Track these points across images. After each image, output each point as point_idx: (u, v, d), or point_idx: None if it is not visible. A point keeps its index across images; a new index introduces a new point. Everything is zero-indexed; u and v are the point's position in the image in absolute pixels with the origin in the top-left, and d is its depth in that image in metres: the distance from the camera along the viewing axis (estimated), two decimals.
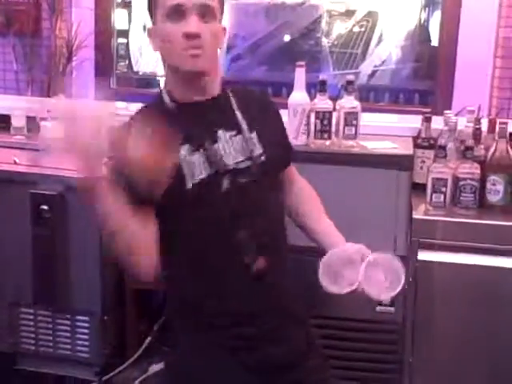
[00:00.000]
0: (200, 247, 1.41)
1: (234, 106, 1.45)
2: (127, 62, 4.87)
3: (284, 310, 1.47)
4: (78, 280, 2.42)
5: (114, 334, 2.54)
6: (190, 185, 1.37)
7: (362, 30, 4.35)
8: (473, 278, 2.14)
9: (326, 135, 2.35)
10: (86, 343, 2.46)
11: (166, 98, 1.43)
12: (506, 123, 2.25)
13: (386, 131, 2.53)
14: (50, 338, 2.49)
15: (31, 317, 2.50)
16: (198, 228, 1.40)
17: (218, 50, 1.45)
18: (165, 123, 1.32)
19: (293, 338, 1.48)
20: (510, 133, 2.25)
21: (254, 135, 1.44)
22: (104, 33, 4.67)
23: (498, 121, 2.30)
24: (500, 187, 2.21)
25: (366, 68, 4.22)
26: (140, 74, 4.87)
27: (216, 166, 1.39)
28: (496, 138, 2.25)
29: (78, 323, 2.46)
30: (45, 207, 2.39)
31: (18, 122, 2.94)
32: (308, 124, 2.35)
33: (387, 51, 4.30)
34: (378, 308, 2.19)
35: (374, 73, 4.24)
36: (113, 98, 4.02)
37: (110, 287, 2.48)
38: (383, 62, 4.27)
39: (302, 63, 2.35)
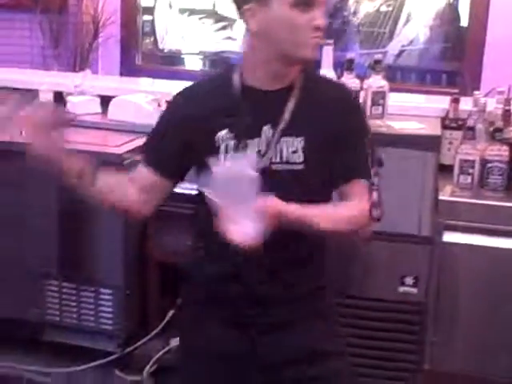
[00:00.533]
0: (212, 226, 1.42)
1: (292, 102, 1.39)
2: (152, 39, 4.87)
3: (301, 302, 1.45)
4: (102, 253, 2.45)
5: (137, 307, 2.56)
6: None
7: (390, 9, 4.30)
8: (498, 261, 2.12)
9: None
10: (110, 315, 2.49)
11: (236, 79, 1.41)
12: None
13: (414, 111, 2.50)
14: (75, 309, 2.53)
15: (56, 288, 2.53)
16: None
17: None
18: (222, 102, 1.39)
19: (310, 331, 1.46)
20: None
21: (299, 140, 1.38)
22: (130, 10, 4.69)
23: None
24: None
25: (393, 47, 4.18)
26: (165, 51, 4.88)
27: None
28: None
29: (102, 296, 2.49)
30: None
31: (45, 97, 2.95)
32: None
33: (415, 31, 4.25)
34: (401, 288, 2.19)
35: (401, 53, 4.19)
36: (138, 75, 4.04)
37: (133, 261, 2.51)
38: (411, 42, 4.22)
39: (330, 41, 2.33)
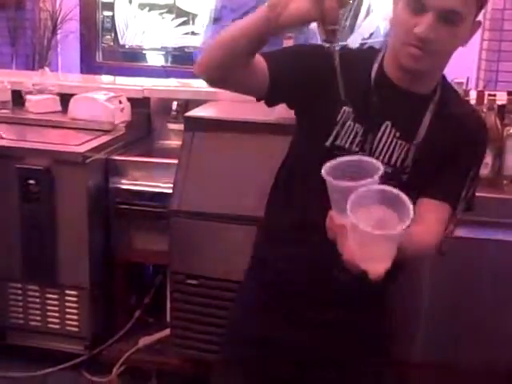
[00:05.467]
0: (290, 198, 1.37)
1: (428, 117, 1.31)
2: (113, 35, 4.81)
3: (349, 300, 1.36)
4: (66, 254, 2.41)
5: (103, 307, 2.54)
6: (328, 143, 1.32)
7: (350, 2, 4.32)
8: (456, 251, 2.15)
9: None
10: (75, 317, 2.46)
11: (376, 63, 1.33)
12: (494, 95, 2.25)
13: None
14: (39, 312, 2.49)
15: (20, 291, 2.49)
16: (303, 184, 1.36)
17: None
18: (360, 79, 1.30)
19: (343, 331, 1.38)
20: (498, 105, 2.26)
21: (411, 147, 1.31)
22: (89, 5, 4.63)
23: (487, 93, 2.30)
24: (488, 160, 2.22)
25: (353, 41, 4.20)
26: (126, 47, 4.83)
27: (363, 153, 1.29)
28: (484, 110, 2.25)
29: (67, 297, 2.46)
30: (32, 182, 2.37)
31: (2, 96, 2.90)
32: None
33: (375, 24, 4.28)
34: None
35: (361, 46, 4.22)
36: (99, 72, 3.99)
37: (98, 261, 2.48)
38: (371, 35, 4.25)
39: (290, 35, 2.33)
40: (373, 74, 1.32)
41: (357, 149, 1.30)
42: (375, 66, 1.33)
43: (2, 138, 2.53)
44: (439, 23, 1.21)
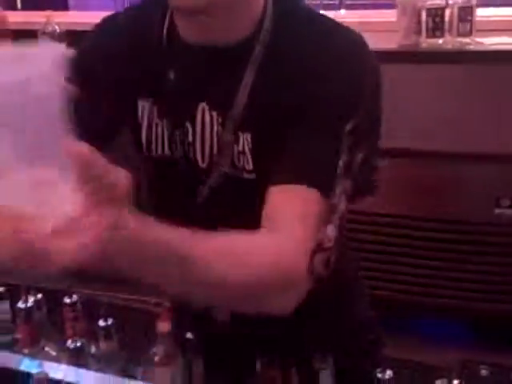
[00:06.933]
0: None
1: (250, 75, 0.86)
2: None
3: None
4: None
5: None
6: (146, 153, 0.96)
7: None
8: None
9: (438, 33, 2.25)
10: None
11: (165, 28, 0.91)
12: None
13: (504, 26, 2.38)
14: None
15: None
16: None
17: None
18: (146, 53, 0.92)
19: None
20: None
21: (246, 136, 0.87)
22: None
23: None
24: None
25: None
26: None
27: (187, 160, 0.92)
28: None
29: None
30: None
31: None
32: (419, 22, 2.26)
33: None
34: (497, 210, 2.13)
35: None
36: None
37: None
38: None
39: None
40: (163, 42, 0.90)
41: (171, 153, 0.92)
42: (165, 30, 0.90)
43: None
44: None
